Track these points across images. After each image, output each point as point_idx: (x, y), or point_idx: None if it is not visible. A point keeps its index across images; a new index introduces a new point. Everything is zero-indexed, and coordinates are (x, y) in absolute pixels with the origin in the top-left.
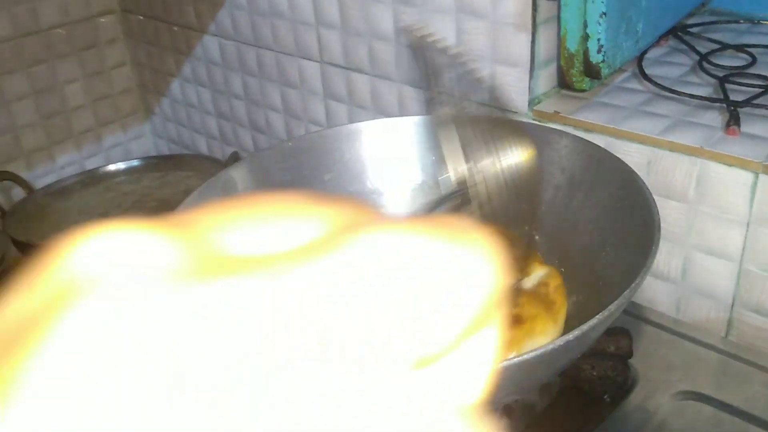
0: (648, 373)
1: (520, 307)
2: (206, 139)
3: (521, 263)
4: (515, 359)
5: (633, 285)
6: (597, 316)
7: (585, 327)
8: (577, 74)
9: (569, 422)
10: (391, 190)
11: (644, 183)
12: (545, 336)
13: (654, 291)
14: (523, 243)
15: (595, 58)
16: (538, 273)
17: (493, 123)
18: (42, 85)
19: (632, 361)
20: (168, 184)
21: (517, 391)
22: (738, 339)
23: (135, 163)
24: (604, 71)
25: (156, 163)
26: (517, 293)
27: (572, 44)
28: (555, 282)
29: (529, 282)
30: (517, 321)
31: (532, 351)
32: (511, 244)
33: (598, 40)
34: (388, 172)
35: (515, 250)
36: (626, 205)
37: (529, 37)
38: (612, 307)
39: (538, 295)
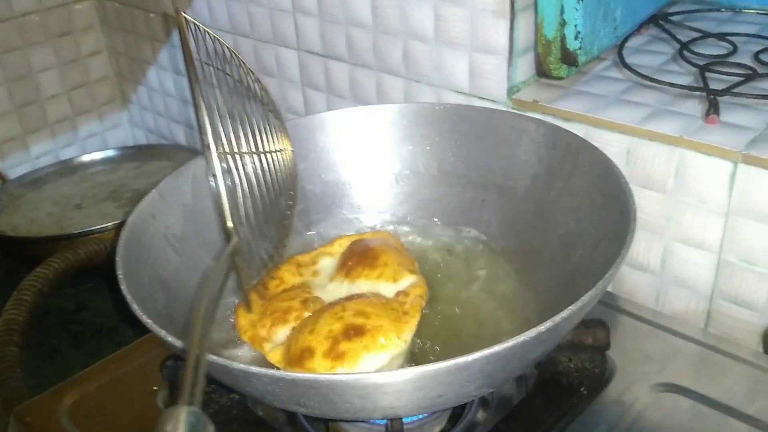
0: (626, 365)
1: (365, 317)
2: (184, 128)
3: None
4: (485, 351)
5: (607, 275)
6: (570, 307)
7: (557, 318)
8: (554, 61)
9: (546, 415)
10: (367, 179)
11: (621, 172)
12: (384, 349)
13: (633, 282)
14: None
15: (572, 44)
16: (404, 281)
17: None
18: (15, 72)
19: (610, 353)
20: (145, 175)
21: (490, 383)
22: (717, 330)
23: (111, 153)
24: (582, 58)
25: (133, 153)
26: (366, 303)
27: (549, 31)
28: (416, 292)
29: (391, 290)
30: (357, 332)
31: (504, 342)
32: None
33: (575, 26)
34: (364, 160)
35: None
36: (603, 194)
37: (508, 24)
38: (585, 297)
39: (390, 305)
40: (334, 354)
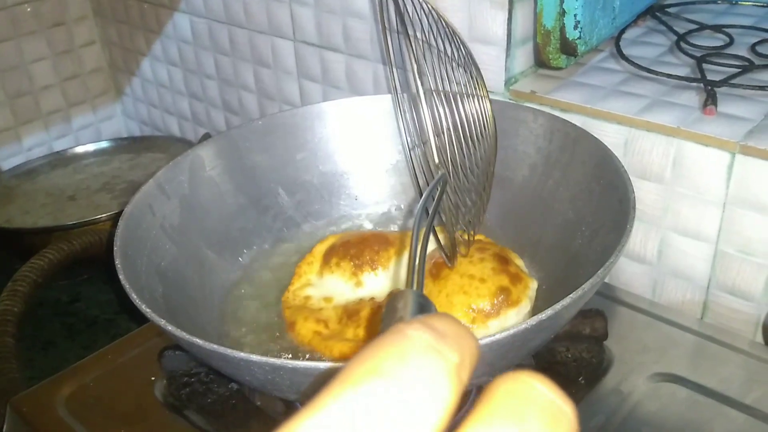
0: (623, 355)
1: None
2: (178, 119)
3: None
4: (487, 339)
5: (607, 264)
6: (570, 296)
7: (558, 306)
8: (553, 51)
9: None
10: (364, 169)
11: (620, 162)
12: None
13: (630, 273)
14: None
15: (572, 34)
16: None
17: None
18: (8, 63)
19: (607, 343)
20: (139, 166)
21: (490, 372)
22: (713, 321)
23: (105, 144)
24: (581, 48)
25: (126, 145)
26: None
27: (549, 20)
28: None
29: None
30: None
31: (505, 331)
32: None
33: (575, 15)
34: (362, 151)
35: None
36: (602, 184)
37: (506, 14)
38: (585, 286)
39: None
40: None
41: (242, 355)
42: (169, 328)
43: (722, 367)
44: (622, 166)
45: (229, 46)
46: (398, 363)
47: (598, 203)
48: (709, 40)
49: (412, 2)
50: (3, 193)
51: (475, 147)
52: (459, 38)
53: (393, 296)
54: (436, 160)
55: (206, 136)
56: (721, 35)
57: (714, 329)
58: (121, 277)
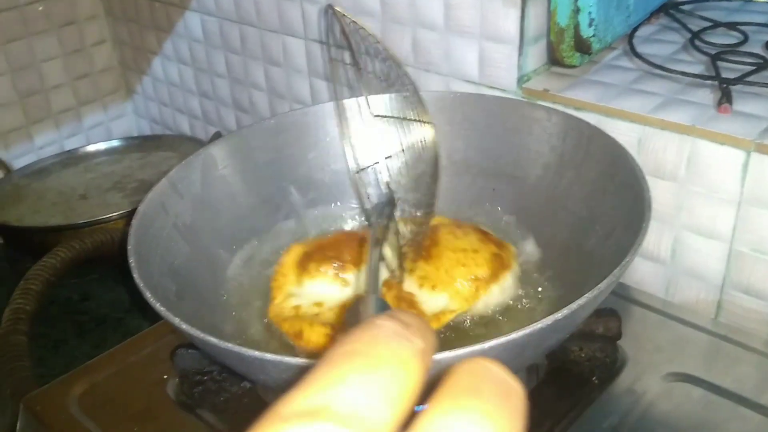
0: (637, 355)
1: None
2: (189, 118)
3: None
4: (502, 338)
5: (623, 263)
6: (586, 295)
7: (574, 305)
8: (567, 49)
9: (557, 404)
10: (374, 168)
11: (635, 160)
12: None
13: (643, 272)
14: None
15: (586, 32)
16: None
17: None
18: (19, 62)
19: (621, 342)
20: (150, 165)
21: None
22: (728, 320)
23: (116, 143)
24: (595, 46)
25: (137, 144)
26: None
27: (563, 18)
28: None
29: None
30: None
31: (521, 329)
32: None
33: (589, 13)
34: (373, 150)
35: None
36: (616, 182)
37: (519, 12)
38: (602, 285)
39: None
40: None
41: (257, 353)
42: (184, 326)
43: (737, 367)
44: (637, 165)
45: (240, 45)
46: (371, 345)
47: (612, 202)
48: (723, 38)
49: (350, 27)
50: (14, 192)
51: (419, 167)
52: (395, 61)
53: (355, 300)
54: (386, 179)
55: (217, 135)
56: (735, 33)
57: (728, 329)
58: (135, 275)
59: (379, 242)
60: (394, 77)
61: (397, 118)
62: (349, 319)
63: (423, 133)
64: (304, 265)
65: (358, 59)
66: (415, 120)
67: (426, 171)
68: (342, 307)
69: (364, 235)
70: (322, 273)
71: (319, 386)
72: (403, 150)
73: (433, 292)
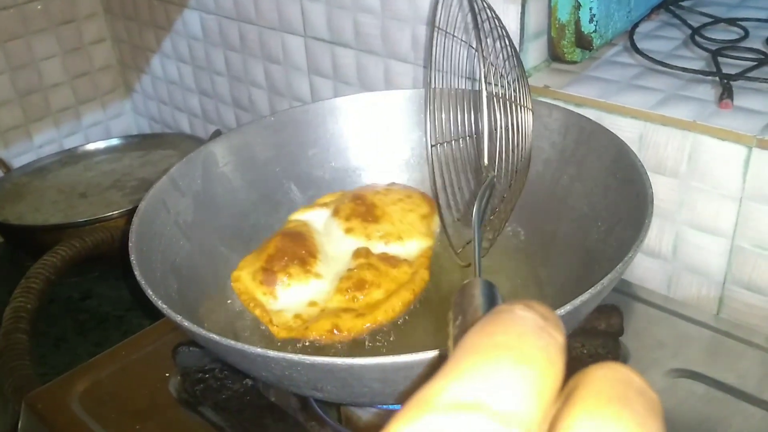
0: (639, 351)
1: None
2: (188, 117)
3: None
4: None
5: (626, 259)
6: (589, 291)
7: (576, 302)
8: (568, 45)
9: None
10: (375, 166)
11: (636, 156)
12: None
13: (644, 268)
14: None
15: (587, 27)
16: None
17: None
18: (18, 61)
19: (623, 338)
20: (149, 164)
21: None
22: (729, 316)
23: (115, 141)
24: (596, 42)
25: (137, 142)
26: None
27: (563, 14)
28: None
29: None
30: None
31: None
32: None
33: (590, 9)
34: (374, 147)
35: None
36: (618, 178)
37: (519, 8)
38: (605, 281)
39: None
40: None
41: (260, 350)
42: (186, 324)
43: (739, 363)
44: (639, 161)
45: (239, 43)
46: (520, 339)
47: (614, 198)
48: (723, 34)
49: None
50: (14, 191)
51: (515, 155)
52: (512, 44)
53: (466, 285)
54: (486, 162)
55: (217, 133)
56: (735, 28)
57: (730, 325)
58: (136, 273)
59: (480, 222)
60: (505, 57)
61: (507, 100)
62: (461, 303)
63: (524, 119)
64: (267, 280)
65: (481, 38)
66: (520, 105)
67: (519, 158)
68: (339, 291)
69: (297, 228)
70: (292, 276)
71: (473, 377)
72: (503, 133)
73: (401, 242)
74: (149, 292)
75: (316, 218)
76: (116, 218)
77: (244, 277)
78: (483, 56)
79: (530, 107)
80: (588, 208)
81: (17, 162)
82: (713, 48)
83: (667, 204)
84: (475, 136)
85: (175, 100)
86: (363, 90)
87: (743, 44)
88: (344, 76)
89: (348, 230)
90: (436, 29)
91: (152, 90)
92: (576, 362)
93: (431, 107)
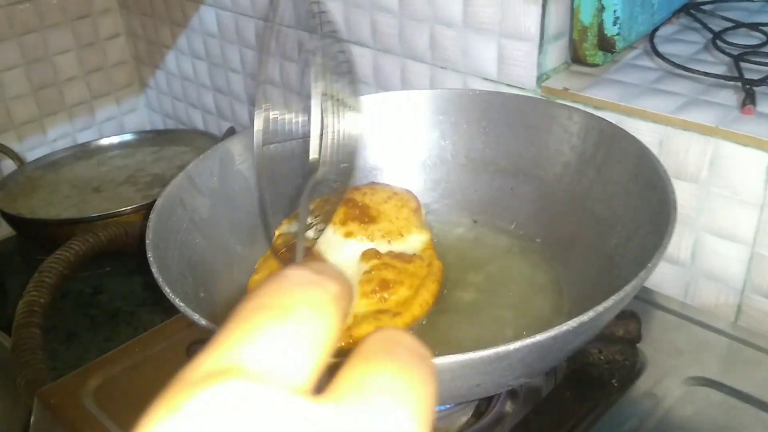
0: (656, 358)
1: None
2: (202, 113)
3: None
4: (527, 340)
5: (649, 265)
6: (612, 297)
7: (600, 308)
8: (590, 48)
9: (576, 406)
10: (393, 166)
11: (659, 161)
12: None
13: (662, 274)
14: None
15: (611, 30)
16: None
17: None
18: (33, 55)
19: (640, 345)
20: (163, 159)
21: (528, 373)
22: (747, 324)
23: (129, 137)
24: (619, 44)
25: (150, 138)
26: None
27: (586, 16)
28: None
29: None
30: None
31: (545, 332)
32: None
33: (614, 11)
34: (391, 147)
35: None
36: (639, 184)
37: (540, 10)
38: (627, 288)
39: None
40: None
41: None
42: (203, 322)
43: (757, 372)
44: (662, 166)
45: (255, 40)
46: (280, 295)
47: (635, 203)
48: (745, 39)
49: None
50: (27, 184)
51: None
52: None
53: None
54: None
55: (231, 131)
56: (757, 33)
57: (748, 333)
58: (153, 269)
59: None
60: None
61: (335, 99)
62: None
63: (352, 120)
64: None
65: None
66: (347, 106)
67: (348, 157)
68: (371, 293)
69: (292, 240)
70: None
71: (228, 345)
72: (331, 132)
73: (403, 238)
74: (166, 290)
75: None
76: (129, 214)
77: None
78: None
79: (356, 108)
80: (608, 213)
81: (31, 156)
82: (735, 53)
83: (687, 210)
84: (303, 138)
85: (189, 96)
86: (379, 89)
87: (765, 49)
88: (360, 75)
89: (347, 234)
90: (268, 25)
91: (166, 86)
92: (593, 368)
93: (263, 106)
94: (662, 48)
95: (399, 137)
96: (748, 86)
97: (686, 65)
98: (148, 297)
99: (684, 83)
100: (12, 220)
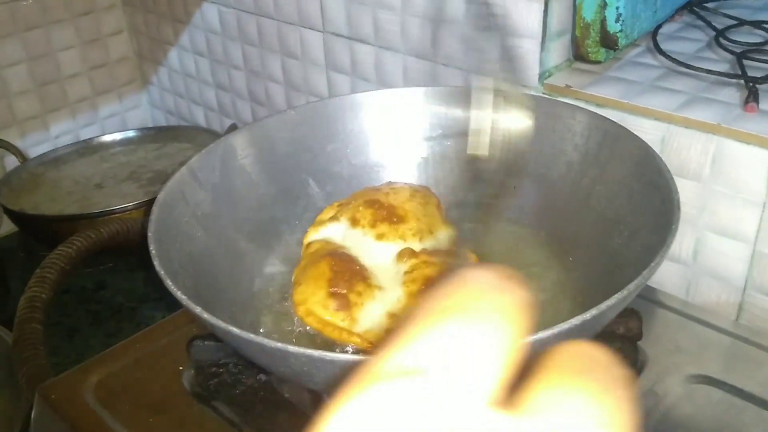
0: (657, 356)
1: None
2: (204, 110)
3: None
4: (528, 338)
5: (652, 264)
6: (615, 296)
7: (603, 306)
8: (592, 45)
9: None
10: (395, 162)
11: (662, 160)
12: None
13: (664, 272)
14: None
15: (613, 27)
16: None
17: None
18: (36, 51)
19: (641, 343)
20: (165, 156)
21: None
22: (749, 322)
23: (131, 133)
24: (622, 41)
25: (153, 134)
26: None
27: (589, 13)
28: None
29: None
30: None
31: (548, 329)
32: None
33: (617, 8)
34: (393, 144)
35: None
36: (643, 182)
37: (542, 7)
38: (631, 286)
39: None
40: None
41: (279, 345)
42: (205, 316)
43: (759, 370)
44: (665, 165)
45: (257, 37)
46: (472, 298)
47: (638, 203)
48: (748, 36)
49: None
50: (30, 180)
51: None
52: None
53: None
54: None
55: (233, 127)
56: (760, 31)
57: (750, 331)
58: (155, 263)
59: None
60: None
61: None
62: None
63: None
64: (341, 304)
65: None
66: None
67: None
68: (418, 292)
69: (328, 247)
70: (362, 294)
71: (417, 342)
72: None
73: (432, 236)
74: (168, 283)
75: (333, 234)
76: (131, 210)
77: (317, 309)
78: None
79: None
80: (611, 212)
81: (33, 152)
82: (738, 50)
83: (689, 208)
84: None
85: (191, 93)
86: (381, 86)
87: None
88: (362, 72)
89: (379, 236)
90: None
91: (169, 83)
92: None
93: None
94: (665, 45)
95: (401, 134)
96: (751, 84)
97: (689, 63)
98: (150, 293)
99: (687, 81)
100: (15, 216)
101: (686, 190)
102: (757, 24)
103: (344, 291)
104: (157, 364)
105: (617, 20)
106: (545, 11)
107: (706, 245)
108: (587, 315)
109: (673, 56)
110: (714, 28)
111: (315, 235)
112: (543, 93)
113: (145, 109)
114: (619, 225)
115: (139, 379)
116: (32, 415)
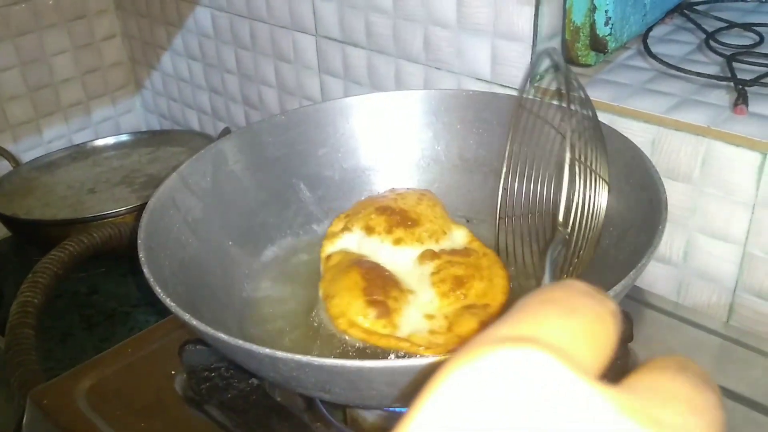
0: (648, 358)
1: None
2: (198, 114)
3: None
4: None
5: (639, 265)
6: None
7: None
8: (582, 48)
9: None
10: (386, 166)
11: (651, 162)
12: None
13: (654, 274)
14: None
15: (602, 30)
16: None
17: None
18: (29, 56)
19: (632, 345)
20: (158, 160)
21: None
22: (740, 324)
23: (124, 137)
24: (611, 45)
25: (146, 139)
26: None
27: (578, 16)
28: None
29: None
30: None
31: None
32: None
33: (606, 12)
34: (384, 148)
35: None
36: (631, 184)
37: (533, 10)
38: (617, 287)
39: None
40: None
41: (268, 351)
42: (194, 322)
43: (749, 371)
44: (653, 166)
45: (250, 41)
46: (567, 296)
47: (626, 203)
48: (738, 39)
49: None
50: (23, 185)
51: (588, 224)
52: (596, 117)
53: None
54: (561, 219)
55: (226, 131)
56: (750, 34)
57: (740, 332)
58: (145, 270)
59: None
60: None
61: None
62: None
63: (600, 191)
64: (381, 312)
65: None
66: (598, 175)
67: (591, 228)
68: (449, 292)
69: (350, 257)
70: (398, 299)
71: (525, 322)
72: (580, 198)
73: (446, 236)
74: (157, 290)
75: (349, 244)
76: (124, 214)
77: (357, 320)
78: (570, 124)
79: (607, 180)
80: None
81: (27, 156)
82: (728, 53)
83: (679, 210)
84: (539, 213)
85: (184, 97)
86: (374, 89)
87: (758, 50)
88: (355, 75)
89: (397, 241)
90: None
91: (162, 87)
92: None
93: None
94: (655, 48)
95: (393, 138)
96: (740, 86)
97: (679, 65)
98: (143, 298)
99: (677, 83)
100: (7, 221)
101: (676, 192)
102: (747, 26)
103: (381, 298)
104: (149, 369)
105: (606, 23)
106: (536, 15)
107: (697, 247)
108: None
109: (664, 59)
110: (704, 31)
111: (332, 247)
112: (534, 96)
113: (138, 114)
114: (608, 226)
115: (131, 384)
116: (24, 420)
